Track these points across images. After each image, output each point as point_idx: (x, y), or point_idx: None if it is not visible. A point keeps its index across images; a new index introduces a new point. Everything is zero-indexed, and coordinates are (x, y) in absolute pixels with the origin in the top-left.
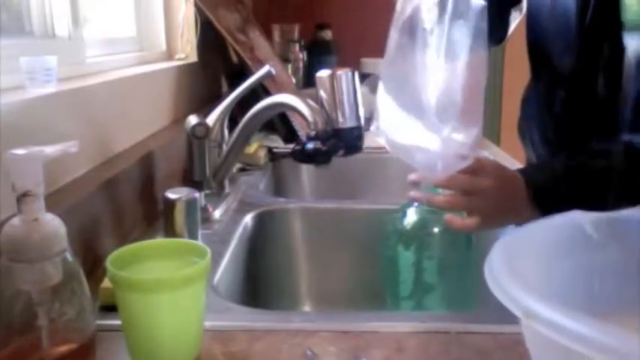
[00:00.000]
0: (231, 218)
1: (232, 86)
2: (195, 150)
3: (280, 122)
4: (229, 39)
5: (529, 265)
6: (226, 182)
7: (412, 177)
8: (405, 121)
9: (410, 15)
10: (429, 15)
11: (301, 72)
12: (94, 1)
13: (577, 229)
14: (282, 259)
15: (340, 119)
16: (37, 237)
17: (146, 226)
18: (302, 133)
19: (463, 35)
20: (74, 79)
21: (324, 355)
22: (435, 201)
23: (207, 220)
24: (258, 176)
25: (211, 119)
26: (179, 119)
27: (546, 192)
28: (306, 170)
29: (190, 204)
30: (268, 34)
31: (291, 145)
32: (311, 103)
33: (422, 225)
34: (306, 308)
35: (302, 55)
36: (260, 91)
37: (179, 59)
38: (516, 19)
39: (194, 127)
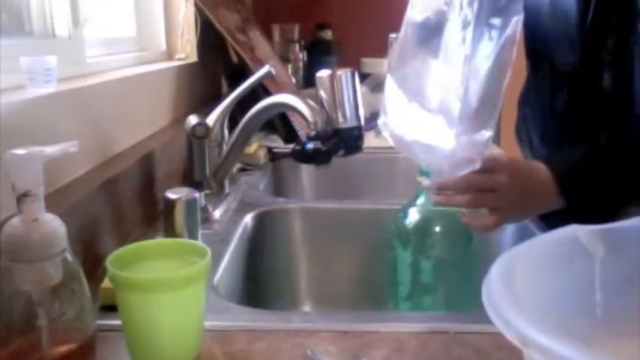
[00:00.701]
0: (231, 218)
1: (232, 86)
2: (195, 150)
3: (280, 122)
4: (229, 39)
5: (528, 284)
6: (226, 182)
7: (426, 183)
8: (413, 119)
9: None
10: (454, 14)
11: (301, 72)
12: (94, 1)
13: (575, 244)
14: (282, 259)
15: (340, 119)
16: (37, 237)
17: (146, 226)
18: (302, 133)
19: (491, 40)
20: (74, 79)
21: (324, 355)
22: (454, 201)
23: (207, 220)
24: (258, 176)
25: (211, 119)
26: (179, 119)
27: (571, 175)
28: (306, 170)
29: (190, 204)
30: (268, 34)
31: (291, 145)
32: (311, 103)
33: (423, 225)
34: (306, 308)
35: (302, 55)
36: (260, 91)
37: (179, 59)
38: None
39: (194, 127)
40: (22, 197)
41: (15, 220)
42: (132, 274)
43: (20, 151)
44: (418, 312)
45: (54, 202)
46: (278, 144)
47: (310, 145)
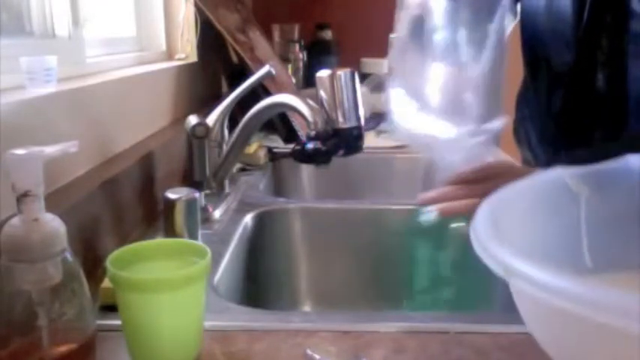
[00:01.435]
0: (231, 218)
1: (232, 86)
2: (195, 150)
3: (280, 122)
4: (229, 39)
5: (515, 224)
6: (226, 182)
7: (429, 195)
8: (422, 115)
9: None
10: (444, 11)
11: (301, 72)
12: (94, 1)
13: (561, 186)
14: (282, 260)
15: (340, 119)
16: (37, 237)
17: (146, 226)
18: (302, 133)
19: (484, 33)
20: (74, 79)
21: (324, 355)
22: (455, 208)
23: (207, 220)
24: (258, 176)
25: (211, 119)
26: (179, 119)
27: None
28: (306, 170)
29: (190, 204)
30: (268, 34)
31: (291, 145)
32: (311, 103)
33: (442, 219)
34: (306, 308)
35: (302, 55)
36: (260, 91)
37: (179, 59)
38: (512, 23)
39: (194, 127)
40: (22, 197)
41: (15, 220)
42: (132, 274)
43: (20, 151)
44: (418, 312)
45: (54, 202)
46: (278, 144)
47: (310, 145)
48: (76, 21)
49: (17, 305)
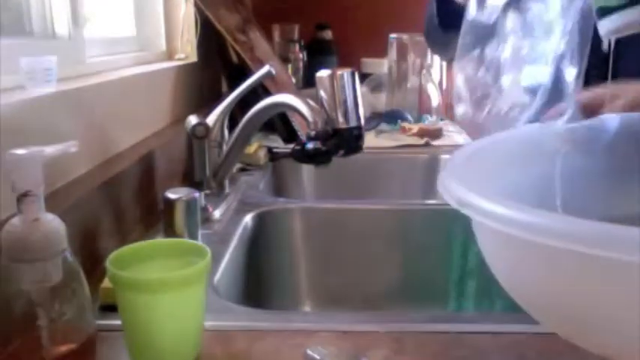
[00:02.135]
0: (231, 218)
1: (232, 86)
2: (196, 150)
3: (280, 122)
4: (229, 39)
5: (488, 173)
6: (226, 182)
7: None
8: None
9: None
10: None
11: (301, 72)
12: (94, 1)
13: (538, 140)
14: (282, 259)
15: (340, 119)
16: (37, 237)
17: (146, 226)
18: (302, 133)
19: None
20: (74, 79)
21: (324, 355)
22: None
23: (207, 220)
24: (258, 176)
25: (211, 119)
26: (179, 119)
27: None
28: (306, 170)
29: (190, 204)
30: (268, 34)
31: (291, 145)
32: (311, 103)
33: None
34: (307, 308)
35: (302, 55)
36: (260, 91)
37: (179, 59)
38: None
39: (194, 127)
40: (22, 197)
41: (15, 220)
42: (132, 274)
43: (20, 151)
44: (418, 312)
45: (54, 202)
46: (278, 144)
47: (310, 145)
48: (76, 21)
49: (17, 305)
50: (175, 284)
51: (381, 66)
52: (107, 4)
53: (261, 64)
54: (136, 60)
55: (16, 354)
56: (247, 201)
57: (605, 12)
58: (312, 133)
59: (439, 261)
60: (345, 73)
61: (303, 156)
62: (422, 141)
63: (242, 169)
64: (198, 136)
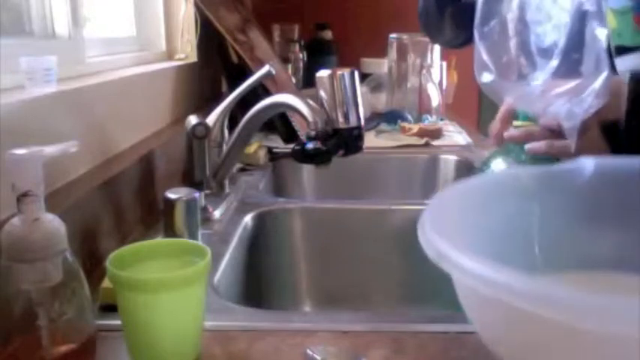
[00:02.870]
0: (231, 218)
1: (232, 86)
2: (195, 150)
3: (280, 122)
4: (229, 39)
5: (464, 218)
6: (226, 182)
7: (502, 116)
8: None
9: None
10: None
11: (301, 72)
12: (94, 1)
13: (515, 184)
14: (282, 259)
15: (340, 119)
16: (38, 237)
17: (146, 226)
18: (302, 133)
19: None
20: (74, 79)
21: (324, 355)
22: (555, 148)
23: (207, 220)
24: (258, 176)
25: (211, 119)
26: (179, 119)
27: None
28: (306, 170)
29: (190, 204)
30: (268, 34)
31: (291, 145)
32: (311, 103)
33: None
34: (307, 308)
35: (302, 55)
36: (260, 91)
37: (179, 59)
38: None
39: (194, 127)
40: (22, 197)
41: (15, 220)
42: (132, 274)
43: (20, 151)
44: (418, 312)
45: (54, 202)
46: (278, 144)
47: (310, 145)
48: (76, 21)
49: (17, 305)
50: (175, 284)
51: (381, 66)
52: (107, 4)
53: (261, 64)
54: (136, 60)
55: (16, 354)
56: (247, 201)
57: (621, 51)
58: (312, 133)
59: None
60: (345, 73)
61: (303, 156)
62: (422, 141)
63: (242, 169)
64: (198, 136)
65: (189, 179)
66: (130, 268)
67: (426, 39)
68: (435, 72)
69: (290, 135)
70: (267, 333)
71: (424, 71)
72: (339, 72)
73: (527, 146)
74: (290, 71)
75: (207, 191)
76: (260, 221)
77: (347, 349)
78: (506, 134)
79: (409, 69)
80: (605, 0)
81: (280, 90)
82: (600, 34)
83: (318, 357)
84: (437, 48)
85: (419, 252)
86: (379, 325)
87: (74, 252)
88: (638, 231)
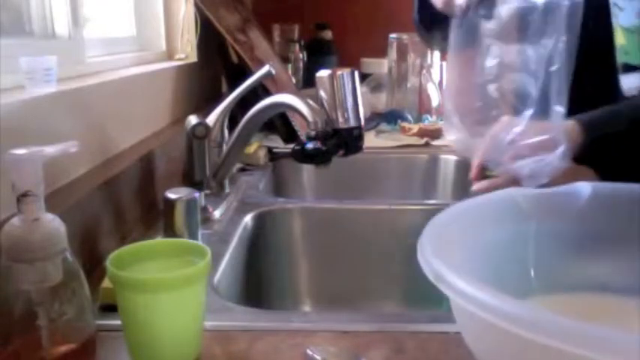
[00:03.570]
0: (231, 218)
1: (232, 86)
2: (195, 150)
3: (280, 122)
4: (229, 39)
5: (461, 239)
6: (226, 182)
7: (474, 171)
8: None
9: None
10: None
11: (301, 72)
12: (94, 1)
13: (512, 205)
14: (282, 259)
15: (340, 119)
16: (38, 237)
17: (146, 226)
18: (302, 133)
19: (553, 24)
20: (74, 79)
21: (324, 355)
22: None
23: (207, 220)
24: (258, 176)
25: (211, 119)
26: (179, 119)
27: (591, 117)
28: (306, 170)
29: (190, 204)
30: (268, 34)
31: (291, 145)
32: (311, 103)
33: None
34: (307, 308)
35: (302, 55)
36: (260, 91)
37: (179, 59)
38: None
39: (194, 127)
40: (22, 197)
41: (15, 220)
42: (132, 274)
43: (20, 151)
44: (418, 312)
45: (54, 202)
46: (278, 144)
47: (310, 145)
48: (76, 21)
49: (17, 305)
50: (175, 284)
51: (381, 66)
52: (107, 4)
53: (261, 64)
54: (136, 60)
55: (16, 354)
56: (247, 201)
57: (627, 69)
58: (312, 133)
59: None
60: (345, 73)
61: (303, 156)
62: (422, 141)
63: (242, 169)
64: (198, 136)
65: (189, 179)
66: (129, 268)
67: None
68: (435, 72)
69: (290, 135)
70: (267, 333)
71: (424, 71)
72: (339, 72)
73: (473, 187)
74: (290, 71)
75: (207, 191)
76: (260, 221)
77: (347, 349)
78: (475, 187)
79: (409, 69)
80: (616, 17)
81: (280, 90)
82: (559, 110)
83: (318, 357)
84: None
85: None
86: (379, 325)
87: (74, 252)
88: (633, 255)
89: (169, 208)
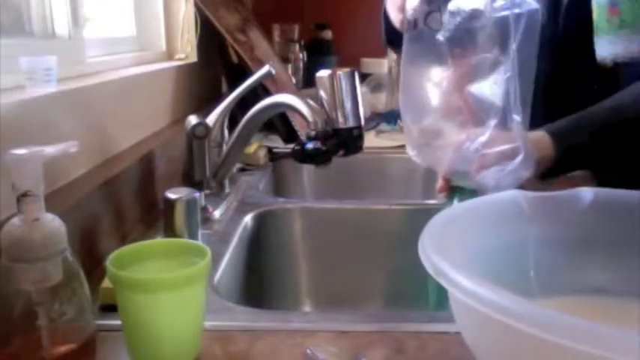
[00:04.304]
0: (231, 218)
1: (232, 86)
2: (195, 150)
3: (280, 122)
4: (229, 39)
5: (462, 239)
6: (226, 182)
7: (440, 183)
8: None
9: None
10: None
11: (301, 72)
12: (94, 1)
13: (513, 207)
14: (282, 259)
15: (340, 119)
16: (38, 237)
17: (146, 226)
18: (302, 133)
19: (510, 33)
20: (74, 79)
21: (324, 355)
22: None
23: (207, 220)
24: (258, 176)
25: (211, 119)
26: (179, 119)
27: (562, 126)
28: (306, 170)
29: (190, 204)
30: (268, 34)
31: (291, 145)
32: (311, 103)
33: None
34: (307, 308)
35: (302, 55)
36: (260, 91)
37: (179, 59)
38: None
39: (194, 127)
40: (22, 197)
41: (15, 220)
42: (132, 274)
43: (20, 151)
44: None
45: (54, 202)
46: (278, 144)
47: (310, 145)
48: (76, 21)
49: (17, 305)
50: (175, 284)
51: (381, 66)
52: (107, 4)
53: (261, 64)
54: (136, 60)
55: (16, 354)
56: (247, 201)
57: (599, 38)
58: (312, 133)
59: None
60: (345, 73)
61: (303, 156)
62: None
63: (242, 169)
64: (198, 136)
65: (189, 179)
66: (130, 268)
67: None
68: None
69: (290, 135)
70: (267, 333)
71: None
72: (339, 72)
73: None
74: (290, 71)
75: (207, 191)
76: (260, 221)
77: (347, 349)
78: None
79: None
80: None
81: (280, 90)
82: (517, 119)
83: (318, 357)
84: None
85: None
86: (379, 325)
87: (74, 252)
88: (632, 260)
89: (169, 208)
